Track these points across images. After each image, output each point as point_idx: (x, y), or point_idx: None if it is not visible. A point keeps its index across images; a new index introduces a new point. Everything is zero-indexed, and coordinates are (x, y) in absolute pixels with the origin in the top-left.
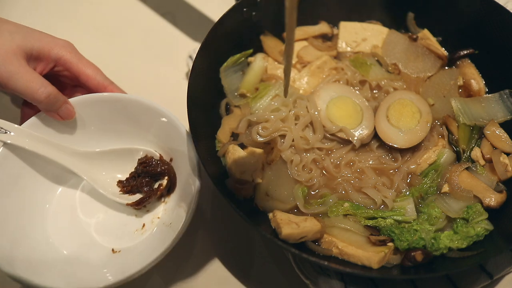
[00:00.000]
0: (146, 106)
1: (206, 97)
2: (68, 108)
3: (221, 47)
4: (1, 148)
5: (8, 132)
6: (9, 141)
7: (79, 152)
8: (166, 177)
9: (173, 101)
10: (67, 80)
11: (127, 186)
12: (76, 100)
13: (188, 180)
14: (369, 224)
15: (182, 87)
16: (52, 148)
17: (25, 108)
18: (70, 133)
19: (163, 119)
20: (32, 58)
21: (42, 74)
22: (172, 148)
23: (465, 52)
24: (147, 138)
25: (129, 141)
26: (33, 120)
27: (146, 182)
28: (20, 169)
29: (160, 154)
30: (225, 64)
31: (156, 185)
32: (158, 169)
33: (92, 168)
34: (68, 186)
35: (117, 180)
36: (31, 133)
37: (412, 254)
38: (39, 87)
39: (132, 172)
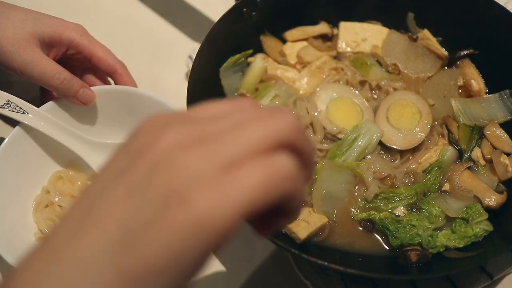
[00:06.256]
0: (165, 107)
1: (206, 97)
2: (86, 93)
3: (221, 47)
4: (16, 127)
5: (26, 113)
6: (26, 122)
7: (92, 142)
8: None
9: (172, 101)
10: (77, 63)
11: None
12: (97, 89)
13: None
14: (363, 217)
15: (182, 87)
16: (66, 134)
17: (42, 91)
18: (85, 121)
19: None
20: (45, 44)
21: (56, 59)
22: None
23: (465, 52)
24: None
25: None
26: (51, 104)
27: None
28: (31, 151)
29: None
30: (225, 64)
31: None
32: None
33: (103, 159)
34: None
35: None
36: (48, 117)
37: (408, 253)
38: (53, 74)
39: None
